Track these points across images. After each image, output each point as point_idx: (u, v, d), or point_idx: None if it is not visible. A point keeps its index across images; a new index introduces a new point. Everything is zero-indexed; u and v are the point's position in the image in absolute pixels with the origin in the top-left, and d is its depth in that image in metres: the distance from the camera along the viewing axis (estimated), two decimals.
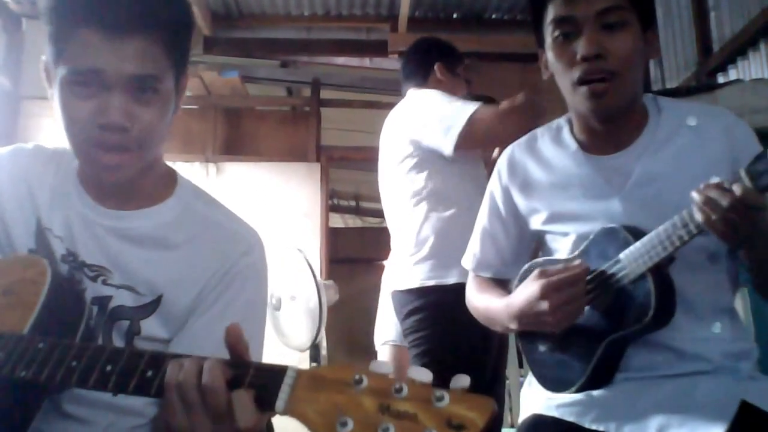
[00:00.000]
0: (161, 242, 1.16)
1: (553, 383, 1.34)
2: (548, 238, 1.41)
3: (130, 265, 1.14)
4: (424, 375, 0.69)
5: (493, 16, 4.87)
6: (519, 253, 1.49)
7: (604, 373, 1.27)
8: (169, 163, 1.26)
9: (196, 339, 1.10)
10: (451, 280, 2.10)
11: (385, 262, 2.58)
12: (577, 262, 1.26)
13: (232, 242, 1.18)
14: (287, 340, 3.35)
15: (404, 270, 2.24)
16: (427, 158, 2.20)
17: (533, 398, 1.39)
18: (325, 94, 5.06)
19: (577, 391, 1.28)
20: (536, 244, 1.49)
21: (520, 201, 1.44)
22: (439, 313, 2.12)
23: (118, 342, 1.13)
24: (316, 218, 4.71)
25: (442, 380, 0.70)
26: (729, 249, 1.27)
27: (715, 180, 1.10)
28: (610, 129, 1.32)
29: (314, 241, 4.58)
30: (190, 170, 4.53)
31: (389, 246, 2.42)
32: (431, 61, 2.45)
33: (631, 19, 1.26)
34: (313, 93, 5.03)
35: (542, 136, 1.45)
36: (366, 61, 5.29)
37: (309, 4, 4.73)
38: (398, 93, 2.57)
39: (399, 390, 0.68)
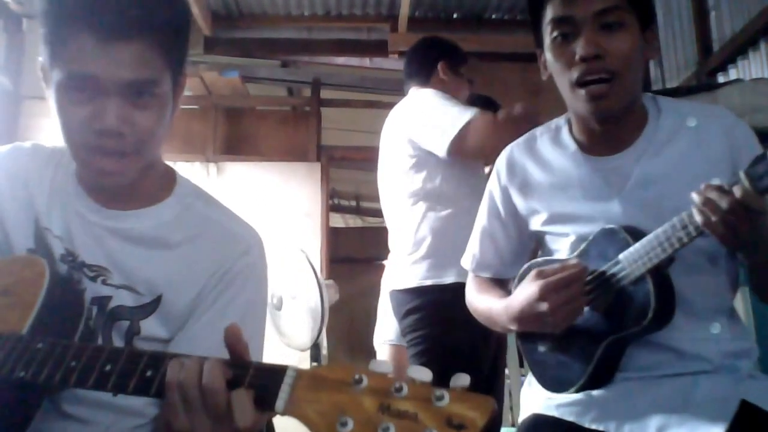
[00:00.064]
0: (161, 242, 1.15)
1: (553, 383, 1.34)
2: (548, 238, 1.41)
3: (130, 265, 1.13)
4: (424, 374, 0.69)
5: (494, 16, 4.87)
6: (518, 253, 1.49)
7: (604, 374, 1.27)
8: (170, 163, 1.25)
9: (196, 339, 1.10)
10: (449, 279, 2.11)
11: (385, 262, 2.58)
12: (574, 261, 1.26)
13: (232, 242, 1.18)
14: (288, 339, 3.35)
15: (402, 269, 2.25)
16: (425, 158, 2.20)
17: (533, 398, 1.39)
18: (326, 93, 5.06)
19: (577, 391, 1.28)
20: (536, 244, 1.49)
21: (520, 202, 1.44)
22: (436, 313, 2.13)
23: (117, 342, 1.12)
24: (317, 218, 4.71)
25: (440, 379, 0.69)
26: (729, 250, 1.27)
27: (715, 182, 1.10)
28: (610, 130, 1.31)
29: (315, 241, 4.58)
30: (190, 170, 4.54)
31: (389, 246, 2.42)
32: (434, 60, 2.44)
33: (630, 19, 1.25)
34: (313, 93, 5.04)
35: (541, 136, 1.45)
36: (366, 61, 5.29)
37: (309, 4, 4.73)
38: (399, 93, 2.57)
39: (399, 389, 0.68)
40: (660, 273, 1.20)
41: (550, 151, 1.41)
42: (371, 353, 2.85)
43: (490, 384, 2.22)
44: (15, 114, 4.62)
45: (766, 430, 1.14)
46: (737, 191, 1.06)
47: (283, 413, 0.74)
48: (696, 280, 1.25)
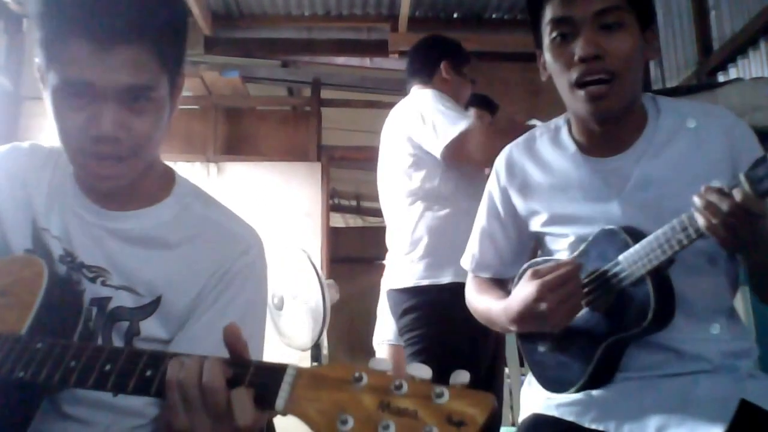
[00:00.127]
0: (160, 242, 1.15)
1: (553, 384, 1.34)
2: (547, 239, 1.41)
3: (129, 266, 1.13)
4: (424, 372, 0.69)
5: (494, 16, 4.87)
6: (518, 253, 1.49)
7: (604, 374, 1.27)
8: (170, 164, 1.25)
9: (196, 339, 1.10)
10: (446, 279, 2.11)
11: (385, 262, 2.58)
12: (568, 258, 1.26)
13: (231, 242, 1.18)
14: (289, 339, 3.35)
15: (399, 269, 2.25)
16: (424, 158, 2.21)
17: (533, 397, 1.39)
18: (326, 93, 5.06)
19: (577, 391, 1.29)
20: (535, 243, 1.49)
21: (519, 202, 1.43)
22: (433, 312, 2.13)
23: (117, 343, 1.12)
24: (317, 218, 4.71)
25: (438, 379, 0.70)
26: (728, 252, 1.27)
27: (715, 184, 1.09)
28: (609, 131, 1.31)
29: (315, 241, 4.58)
30: (191, 170, 4.54)
31: (387, 244, 2.42)
32: (438, 59, 2.44)
33: (630, 20, 1.25)
34: (313, 93, 5.04)
35: (540, 136, 1.44)
36: (366, 61, 5.29)
37: (309, 4, 4.73)
38: (399, 92, 2.57)
39: (399, 387, 0.68)
40: (660, 274, 1.19)
41: (550, 151, 1.41)
42: (371, 353, 2.85)
43: (489, 383, 2.22)
44: (15, 114, 4.62)
45: (766, 429, 1.14)
46: (737, 194, 1.05)
47: (283, 412, 0.74)
48: (696, 281, 1.25)
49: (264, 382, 0.76)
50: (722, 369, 1.22)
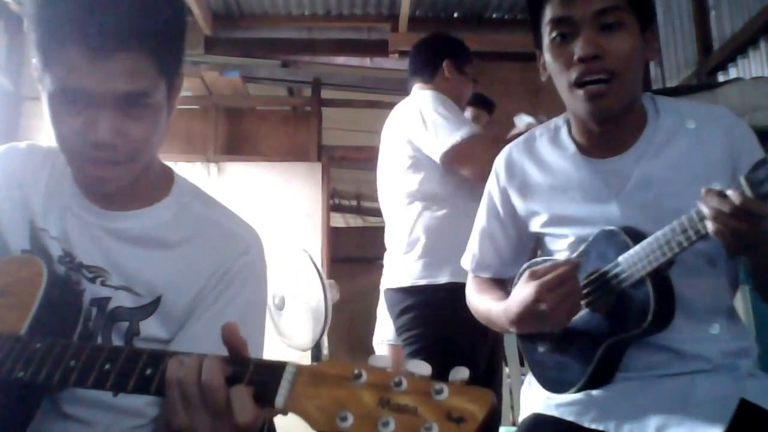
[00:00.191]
0: (159, 242, 1.15)
1: (553, 384, 1.34)
2: (547, 239, 1.41)
3: (128, 266, 1.13)
4: (423, 368, 0.69)
5: (494, 16, 4.88)
6: (518, 252, 1.49)
7: (604, 374, 1.27)
8: (170, 164, 1.25)
9: (196, 339, 1.10)
10: (443, 279, 2.12)
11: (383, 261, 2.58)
12: (566, 258, 1.26)
13: (231, 241, 1.18)
14: (290, 339, 3.35)
15: (397, 268, 2.25)
16: (423, 160, 2.20)
17: (533, 397, 1.39)
18: (326, 93, 5.07)
19: (578, 391, 1.29)
20: (535, 243, 1.49)
21: (519, 203, 1.43)
22: (431, 312, 2.13)
23: (117, 343, 1.12)
24: (318, 218, 4.72)
25: (436, 378, 0.69)
26: (730, 253, 1.27)
27: (715, 186, 1.09)
28: (609, 131, 1.31)
29: (315, 241, 4.59)
30: (191, 170, 4.55)
31: (386, 243, 2.42)
32: (440, 58, 2.43)
33: (630, 20, 1.24)
34: (314, 93, 5.05)
35: (540, 136, 1.44)
36: (367, 61, 5.30)
37: (310, 3, 4.74)
38: (399, 92, 2.57)
39: (398, 384, 0.68)
40: (660, 275, 1.19)
41: (550, 152, 1.40)
42: (371, 353, 2.84)
43: (487, 382, 2.22)
44: (15, 115, 4.62)
45: (765, 428, 1.14)
46: (738, 198, 1.04)
47: (283, 409, 0.74)
48: (695, 281, 1.24)
49: (263, 380, 0.76)
50: (722, 368, 1.22)
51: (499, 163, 1.47)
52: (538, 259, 1.41)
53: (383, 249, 2.39)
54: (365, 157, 4.29)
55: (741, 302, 2.16)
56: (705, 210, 1.08)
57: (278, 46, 5.03)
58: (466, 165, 2.12)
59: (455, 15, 4.88)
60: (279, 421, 1.07)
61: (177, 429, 0.80)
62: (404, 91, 2.51)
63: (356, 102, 5.10)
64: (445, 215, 2.18)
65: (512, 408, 3.51)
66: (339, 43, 4.99)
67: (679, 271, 1.20)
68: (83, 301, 1.11)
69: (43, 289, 1.01)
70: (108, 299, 1.12)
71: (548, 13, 1.28)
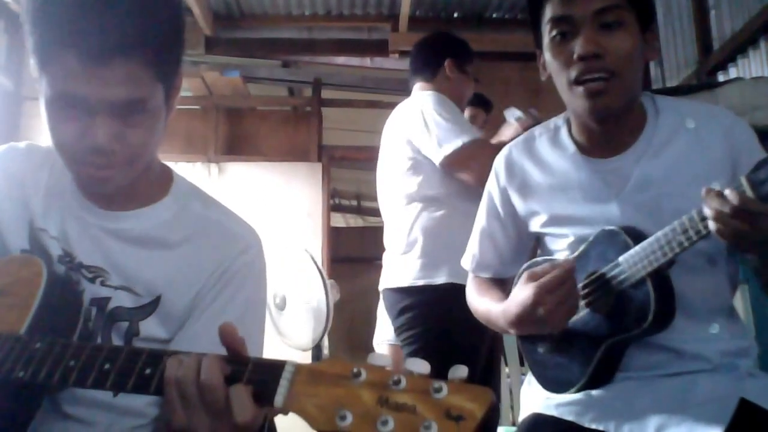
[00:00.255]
0: (158, 242, 1.15)
1: (553, 384, 1.34)
2: (547, 239, 1.41)
3: (128, 266, 1.13)
4: (422, 367, 0.69)
5: (494, 15, 4.88)
6: (518, 252, 1.49)
7: (604, 375, 1.27)
8: (171, 164, 1.25)
9: (196, 338, 1.09)
10: (440, 280, 2.12)
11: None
12: (564, 258, 1.26)
13: (230, 241, 1.17)
14: (290, 339, 3.35)
15: (395, 268, 2.26)
16: (423, 162, 2.21)
17: (533, 397, 1.39)
18: (327, 93, 5.07)
19: (578, 392, 1.29)
20: (535, 243, 1.49)
21: (519, 203, 1.43)
22: (430, 312, 2.14)
23: (117, 343, 1.12)
24: (318, 218, 4.72)
25: (435, 377, 0.69)
26: (728, 250, 1.26)
27: (715, 186, 1.09)
28: (608, 130, 1.30)
29: (316, 241, 4.59)
30: (191, 170, 4.55)
31: (384, 243, 2.42)
32: (442, 56, 2.42)
33: (630, 19, 1.24)
34: (314, 93, 5.05)
35: (540, 136, 1.44)
36: (367, 61, 5.30)
37: (310, 3, 4.74)
38: (400, 92, 2.57)
39: (397, 382, 0.68)
40: (660, 276, 1.19)
41: (549, 152, 1.40)
42: (371, 353, 2.85)
43: (486, 382, 2.22)
44: (16, 115, 4.62)
45: (765, 428, 1.14)
46: (737, 198, 1.04)
47: (282, 408, 0.73)
48: (695, 280, 1.24)
49: (262, 379, 0.76)
50: (722, 368, 1.22)
51: (499, 163, 1.47)
52: (539, 259, 1.41)
53: (383, 249, 2.39)
54: (365, 157, 4.29)
55: (740, 302, 2.17)
56: (707, 211, 1.08)
57: (279, 46, 5.03)
58: (466, 170, 2.13)
59: (455, 15, 4.89)
60: (279, 421, 1.07)
61: (177, 429, 0.80)
62: (405, 91, 2.51)
63: (356, 102, 5.11)
64: (443, 216, 2.19)
65: (512, 408, 3.51)
66: (339, 43, 4.99)
67: (680, 270, 1.20)
68: (83, 301, 1.11)
69: (43, 289, 1.01)
70: (108, 299, 1.12)
71: (548, 12, 1.28)
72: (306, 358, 3.34)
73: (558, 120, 1.43)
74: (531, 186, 1.41)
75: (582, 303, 1.26)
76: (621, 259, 1.22)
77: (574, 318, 1.24)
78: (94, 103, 0.98)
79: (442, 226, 2.17)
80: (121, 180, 1.07)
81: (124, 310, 1.12)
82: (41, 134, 1.05)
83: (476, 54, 2.57)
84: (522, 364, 3.30)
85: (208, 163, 4.76)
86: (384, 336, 2.87)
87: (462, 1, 4.69)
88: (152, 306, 1.12)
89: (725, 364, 1.23)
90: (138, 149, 1.05)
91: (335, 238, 5.24)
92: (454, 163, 2.13)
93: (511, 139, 1.57)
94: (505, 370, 2.85)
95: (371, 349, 2.91)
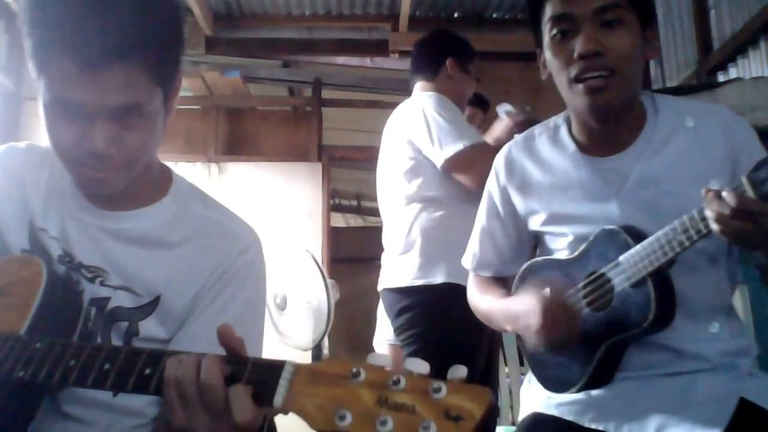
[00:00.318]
0: (158, 242, 1.15)
1: (553, 384, 1.34)
2: (547, 238, 1.41)
3: (128, 266, 1.13)
4: (422, 367, 0.69)
5: (494, 15, 4.88)
6: (518, 251, 1.49)
7: (604, 374, 1.27)
8: (171, 164, 1.25)
9: (195, 338, 1.09)
10: (438, 280, 2.12)
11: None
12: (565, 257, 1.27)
13: (230, 241, 1.17)
14: (290, 339, 3.35)
15: (394, 268, 2.26)
16: (423, 163, 2.21)
17: (533, 397, 1.39)
18: (327, 93, 5.07)
19: (578, 391, 1.29)
20: (535, 242, 1.49)
21: (518, 201, 1.43)
22: (428, 312, 2.14)
23: (116, 343, 1.12)
24: (318, 218, 4.72)
25: (434, 377, 0.69)
26: (728, 249, 1.27)
27: (714, 185, 1.08)
28: (608, 129, 1.30)
29: (316, 241, 4.59)
30: (192, 170, 4.55)
31: (383, 243, 2.42)
32: (443, 55, 2.41)
33: (630, 17, 1.24)
34: (314, 93, 5.05)
35: (540, 135, 1.44)
36: (367, 61, 5.30)
37: (310, 3, 4.74)
38: (400, 92, 2.57)
39: (396, 382, 0.68)
40: (660, 275, 1.19)
41: (549, 151, 1.40)
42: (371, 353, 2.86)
43: (485, 381, 2.22)
44: (16, 115, 4.62)
45: (765, 428, 1.14)
46: (736, 199, 1.03)
47: (281, 408, 0.73)
48: (695, 279, 1.24)
49: (262, 379, 0.76)
50: (721, 368, 1.23)
51: (499, 162, 1.47)
52: (539, 258, 1.41)
53: (383, 249, 2.39)
54: (365, 157, 4.29)
55: (740, 301, 2.17)
56: (708, 212, 1.07)
57: (279, 46, 5.03)
58: (466, 173, 2.13)
59: (455, 15, 4.88)
60: (279, 421, 1.07)
61: (176, 429, 0.80)
62: (405, 91, 2.51)
63: (356, 102, 5.10)
64: (442, 216, 2.19)
65: (512, 407, 3.51)
66: (339, 43, 4.99)
67: (680, 269, 1.20)
68: (83, 301, 1.11)
69: (43, 289, 1.01)
70: (107, 299, 1.12)
71: (548, 11, 1.28)
72: (306, 358, 3.34)
73: (558, 119, 1.43)
74: (531, 185, 1.41)
75: (582, 303, 1.26)
76: (621, 258, 1.22)
77: None
78: (92, 109, 0.97)
79: (440, 227, 2.17)
80: (119, 182, 1.07)
81: (123, 310, 1.12)
82: (41, 134, 1.05)
83: (476, 54, 2.56)
84: (522, 363, 3.30)
85: (208, 163, 4.76)
86: (384, 336, 2.87)
87: (462, 1, 4.69)
88: (152, 306, 1.12)
89: (725, 364, 1.23)
90: (136, 152, 1.05)
91: (335, 238, 5.23)
92: (454, 166, 2.13)
93: (503, 134, 1.57)
94: (505, 370, 2.85)
95: (371, 349, 2.91)
